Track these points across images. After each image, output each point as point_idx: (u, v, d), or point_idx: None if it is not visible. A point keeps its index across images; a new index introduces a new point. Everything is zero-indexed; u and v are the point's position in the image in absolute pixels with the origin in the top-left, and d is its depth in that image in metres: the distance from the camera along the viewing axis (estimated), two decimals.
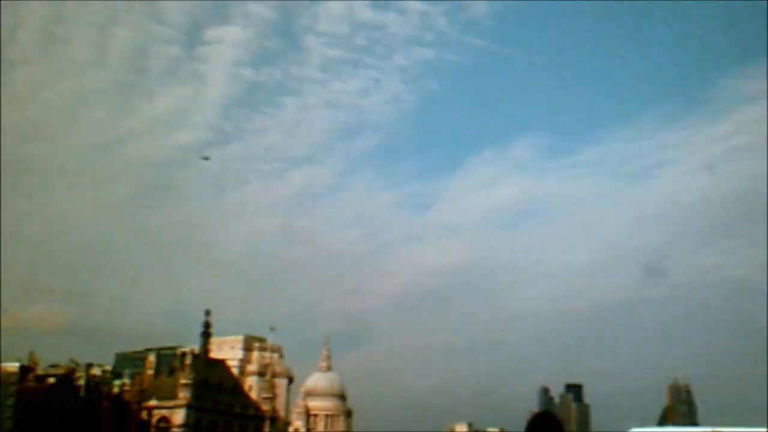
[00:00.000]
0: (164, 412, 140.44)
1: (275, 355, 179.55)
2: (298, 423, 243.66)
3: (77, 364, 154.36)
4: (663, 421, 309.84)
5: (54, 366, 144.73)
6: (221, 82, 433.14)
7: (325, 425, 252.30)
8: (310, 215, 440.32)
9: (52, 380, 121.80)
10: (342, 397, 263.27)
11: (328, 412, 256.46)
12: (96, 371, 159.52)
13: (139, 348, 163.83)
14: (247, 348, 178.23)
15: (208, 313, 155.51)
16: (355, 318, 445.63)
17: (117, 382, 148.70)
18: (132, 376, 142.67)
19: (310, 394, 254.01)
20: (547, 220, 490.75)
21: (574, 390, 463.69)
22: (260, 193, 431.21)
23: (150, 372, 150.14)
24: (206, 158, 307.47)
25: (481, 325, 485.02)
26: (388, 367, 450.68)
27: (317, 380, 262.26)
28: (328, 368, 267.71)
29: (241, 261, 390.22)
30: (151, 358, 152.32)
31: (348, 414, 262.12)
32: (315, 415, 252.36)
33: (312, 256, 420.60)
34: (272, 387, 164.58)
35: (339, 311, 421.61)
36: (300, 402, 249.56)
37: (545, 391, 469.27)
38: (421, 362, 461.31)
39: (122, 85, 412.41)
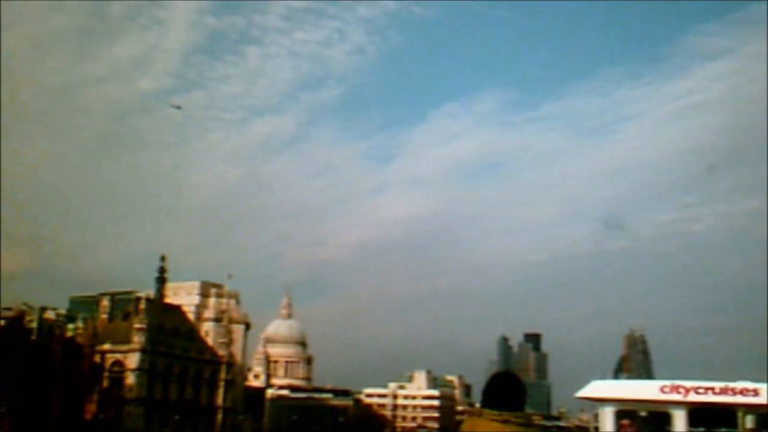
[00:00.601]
0: (118, 356, 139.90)
1: (232, 302, 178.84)
2: (258, 369, 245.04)
3: (30, 308, 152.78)
4: (619, 370, 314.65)
5: (7, 309, 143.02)
6: (183, 29, 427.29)
7: (285, 371, 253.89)
8: (274, 165, 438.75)
9: (1, 323, 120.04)
10: (302, 344, 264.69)
11: (289, 359, 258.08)
12: (50, 315, 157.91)
13: (94, 293, 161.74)
14: (204, 294, 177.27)
15: (163, 258, 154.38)
16: (318, 268, 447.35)
17: (71, 326, 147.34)
18: (86, 321, 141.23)
19: (270, 340, 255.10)
20: (510, 173, 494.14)
21: (533, 339, 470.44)
22: (223, 141, 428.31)
23: (104, 316, 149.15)
24: (177, 107, 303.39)
25: (443, 276, 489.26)
26: (350, 317, 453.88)
27: (277, 327, 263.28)
28: (289, 316, 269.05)
29: (204, 209, 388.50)
30: (105, 302, 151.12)
31: (308, 361, 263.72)
32: (275, 362, 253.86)
33: (276, 205, 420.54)
34: (229, 333, 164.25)
35: (302, 261, 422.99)
36: (260, 349, 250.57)
37: (504, 341, 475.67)
38: (382, 312, 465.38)
39: (82, 30, 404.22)
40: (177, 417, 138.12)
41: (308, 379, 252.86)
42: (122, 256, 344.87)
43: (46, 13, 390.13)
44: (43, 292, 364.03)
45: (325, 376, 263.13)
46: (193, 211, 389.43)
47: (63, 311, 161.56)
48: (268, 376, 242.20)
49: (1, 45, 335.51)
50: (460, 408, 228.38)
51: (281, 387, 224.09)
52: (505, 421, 5.63)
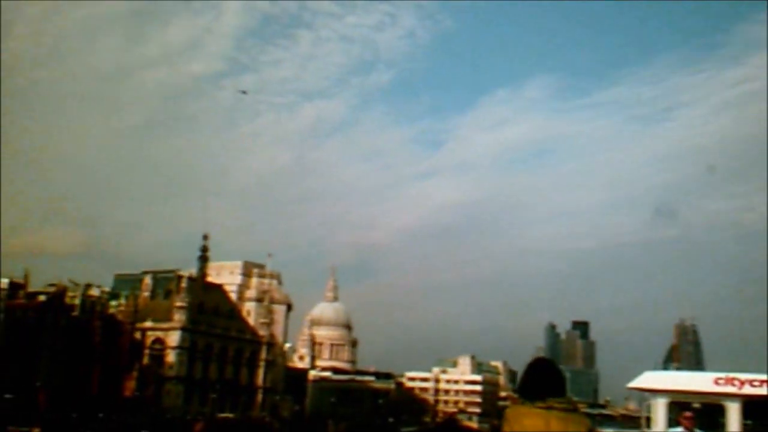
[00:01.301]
0: (159, 333, 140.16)
1: (274, 282, 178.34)
2: (303, 351, 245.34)
3: (75, 285, 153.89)
4: (669, 360, 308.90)
5: (51, 285, 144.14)
6: (235, 13, 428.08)
7: (330, 354, 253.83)
8: (323, 149, 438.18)
9: (42, 298, 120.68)
10: (348, 327, 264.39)
11: (334, 341, 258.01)
12: (95, 292, 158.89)
13: (138, 271, 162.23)
14: (246, 274, 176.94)
15: (205, 237, 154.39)
16: (364, 252, 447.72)
17: (113, 303, 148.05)
18: (127, 298, 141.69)
19: (315, 323, 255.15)
20: (560, 160, 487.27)
21: (581, 327, 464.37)
22: (273, 125, 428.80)
23: (146, 294, 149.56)
24: (244, 92, 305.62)
25: (490, 262, 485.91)
26: (395, 301, 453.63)
27: (323, 310, 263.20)
28: (335, 298, 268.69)
29: (252, 192, 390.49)
30: (148, 280, 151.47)
31: (353, 344, 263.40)
32: (320, 344, 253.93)
33: (323, 189, 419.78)
34: (270, 313, 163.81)
35: (349, 245, 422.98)
36: (305, 330, 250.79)
37: (552, 328, 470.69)
38: (428, 297, 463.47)
39: (136, 13, 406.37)
40: (216, 395, 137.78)
41: (353, 361, 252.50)
42: (170, 237, 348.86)
43: None
44: (94, 271, 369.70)
45: (370, 359, 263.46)
46: (241, 194, 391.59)
47: (108, 289, 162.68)
48: (313, 358, 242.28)
49: (57, 27, 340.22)
50: (503, 394, 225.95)
51: (324, 369, 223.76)
52: (549, 408, 5.51)
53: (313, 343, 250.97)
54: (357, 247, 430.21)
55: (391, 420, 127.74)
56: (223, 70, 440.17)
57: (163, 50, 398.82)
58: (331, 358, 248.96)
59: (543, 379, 5.77)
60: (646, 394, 19.15)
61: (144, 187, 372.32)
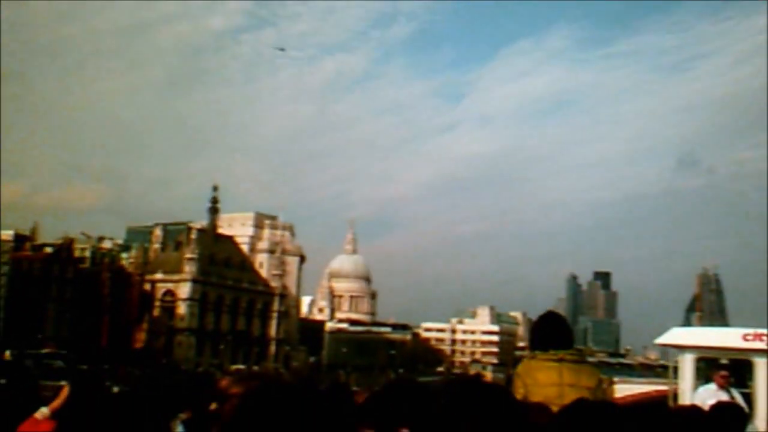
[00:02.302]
0: (170, 285, 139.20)
1: (286, 234, 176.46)
2: (322, 303, 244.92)
3: (88, 237, 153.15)
4: (691, 310, 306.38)
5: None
6: None
7: (350, 306, 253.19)
8: (344, 103, 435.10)
9: (49, 250, 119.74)
10: (367, 279, 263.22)
11: (353, 293, 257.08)
12: (107, 245, 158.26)
13: (150, 223, 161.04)
14: (258, 225, 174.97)
15: (215, 188, 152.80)
16: (385, 205, 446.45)
17: (124, 256, 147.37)
18: (138, 250, 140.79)
19: (335, 275, 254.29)
20: (582, 111, 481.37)
21: (602, 278, 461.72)
22: (293, 80, 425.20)
23: (156, 246, 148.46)
24: (281, 49, 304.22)
25: (511, 215, 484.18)
26: (416, 254, 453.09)
27: (342, 262, 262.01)
28: (354, 251, 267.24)
29: (273, 146, 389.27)
30: (158, 232, 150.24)
31: (372, 296, 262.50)
32: (339, 296, 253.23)
33: (344, 143, 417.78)
34: (282, 264, 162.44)
35: (370, 198, 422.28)
36: (324, 283, 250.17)
37: (573, 279, 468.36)
38: (449, 249, 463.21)
39: None
40: (224, 346, 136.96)
41: (372, 314, 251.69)
42: (192, 191, 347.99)
43: None
44: (116, 226, 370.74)
45: (389, 311, 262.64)
46: (261, 149, 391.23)
47: (120, 241, 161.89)
48: (333, 311, 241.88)
49: None
50: (521, 344, 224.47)
51: (340, 320, 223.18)
52: (560, 360, 5.52)
53: (333, 296, 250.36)
54: (378, 201, 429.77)
55: (401, 370, 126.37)
56: (242, 25, 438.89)
57: (182, 5, 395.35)
58: (350, 311, 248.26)
59: (553, 333, 5.74)
60: (673, 349, 19.22)
61: (165, 143, 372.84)
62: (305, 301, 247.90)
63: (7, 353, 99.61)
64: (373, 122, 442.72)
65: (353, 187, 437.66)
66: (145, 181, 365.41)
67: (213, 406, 5.59)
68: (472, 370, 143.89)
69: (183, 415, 5.54)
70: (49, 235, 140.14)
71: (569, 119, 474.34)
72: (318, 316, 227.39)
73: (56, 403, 4.64)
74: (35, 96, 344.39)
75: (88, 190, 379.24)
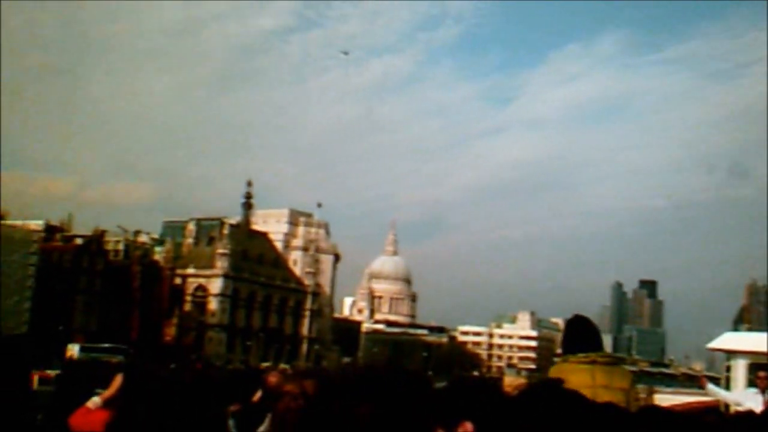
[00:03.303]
0: (201, 280, 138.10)
1: (321, 231, 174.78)
2: (362, 304, 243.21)
3: (125, 231, 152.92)
4: (739, 321, 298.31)
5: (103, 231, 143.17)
6: None
7: (390, 307, 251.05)
8: (390, 105, 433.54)
9: (79, 241, 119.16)
10: (407, 281, 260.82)
11: (393, 295, 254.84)
12: (143, 238, 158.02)
13: (185, 218, 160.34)
14: (293, 222, 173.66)
15: (249, 184, 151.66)
16: (430, 208, 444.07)
17: (158, 249, 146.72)
18: (169, 244, 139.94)
19: (375, 276, 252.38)
20: (631, 116, 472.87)
21: (648, 286, 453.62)
22: (341, 80, 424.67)
23: (189, 241, 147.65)
24: (345, 53, 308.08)
25: (557, 220, 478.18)
26: (459, 257, 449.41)
27: (383, 263, 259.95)
28: (394, 252, 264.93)
29: (319, 147, 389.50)
30: (191, 226, 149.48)
31: (412, 298, 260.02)
32: (379, 297, 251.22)
33: (390, 145, 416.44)
34: (316, 262, 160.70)
35: (415, 201, 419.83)
36: (364, 284, 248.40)
37: (618, 287, 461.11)
38: (493, 254, 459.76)
39: None
40: (252, 343, 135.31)
41: (412, 316, 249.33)
42: (236, 189, 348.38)
43: None
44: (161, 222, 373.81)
45: (430, 314, 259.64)
46: (307, 149, 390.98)
47: (156, 235, 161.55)
48: (372, 311, 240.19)
49: None
50: (560, 351, 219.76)
51: (377, 322, 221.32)
52: (592, 362, 5.50)
53: (372, 297, 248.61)
54: (423, 203, 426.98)
55: (430, 373, 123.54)
56: (290, 25, 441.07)
57: (232, 5, 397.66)
58: (390, 312, 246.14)
59: (583, 336, 5.73)
60: (723, 354, 19.63)
61: (212, 141, 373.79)
62: (347, 302, 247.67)
63: (71, 348, 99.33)
64: (419, 125, 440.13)
65: (397, 189, 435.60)
66: (191, 179, 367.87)
67: (256, 398, 6.19)
68: (507, 375, 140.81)
69: (233, 408, 5.99)
70: (91, 229, 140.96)
71: (617, 125, 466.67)
72: (357, 317, 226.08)
73: (109, 392, 4.61)
74: (86, 93, 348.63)
75: (136, 186, 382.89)
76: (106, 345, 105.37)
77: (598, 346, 5.67)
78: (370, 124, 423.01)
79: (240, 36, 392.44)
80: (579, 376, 5.31)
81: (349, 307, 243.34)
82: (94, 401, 4.79)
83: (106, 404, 4.68)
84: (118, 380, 4.76)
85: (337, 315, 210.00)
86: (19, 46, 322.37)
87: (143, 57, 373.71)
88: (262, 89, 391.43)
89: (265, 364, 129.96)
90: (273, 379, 6.46)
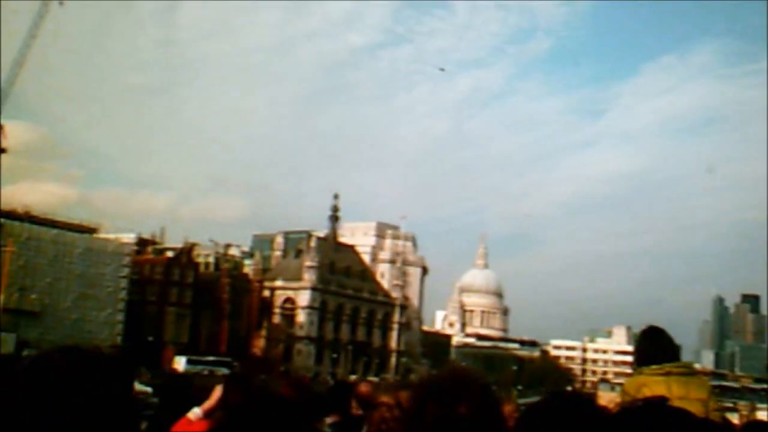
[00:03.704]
0: (290, 293, 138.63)
1: (408, 244, 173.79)
2: (453, 318, 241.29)
3: (216, 244, 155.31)
4: None
5: (194, 245, 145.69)
6: None
7: (481, 321, 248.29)
8: (479, 119, 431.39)
9: (170, 254, 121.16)
10: (499, 294, 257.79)
11: (484, 309, 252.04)
12: (234, 252, 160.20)
13: (275, 231, 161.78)
14: (380, 235, 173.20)
15: (336, 196, 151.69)
16: (520, 222, 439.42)
17: (248, 262, 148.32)
18: (256, 257, 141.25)
19: (465, 290, 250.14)
20: (727, 128, 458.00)
21: (751, 300, 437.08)
22: (429, 95, 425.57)
23: (278, 253, 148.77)
24: (442, 69, 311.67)
25: (652, 234, 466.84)
26: (551, 271, 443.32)
27: (473, 277, 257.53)
28: (485, 266, 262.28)
29: (408, 162, 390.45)
30: (279, 239, 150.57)
31: (504, 312, 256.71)
32: (470, 311, 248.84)
33: (479, 159, 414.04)
34: (403, 275, 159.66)
35: (504, 215, 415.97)
36: (455, 297, 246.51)
37: (720, 301, 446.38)
38: (586, 268, 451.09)
39: None
40: (340, 356, 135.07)
41: (504, 330, 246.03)
42: (327, 203, 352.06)
43: None
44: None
45: (522, 328, 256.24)
46: (396, 163, 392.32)
47: (246, 248, 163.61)
48: (464, 325, 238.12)
49: (225, 2, 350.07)
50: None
51: (468, 335, 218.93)
52: (666, 374, 5.44)
53: (463, 310, 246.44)
54: (513, 217, 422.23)
55: (519, 387, 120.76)
56: (380, 41, 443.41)
57: (323, 22, 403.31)
58: (481, 326, 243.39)
59: (657, 347, 5.67)
60: None
61: (303, 156, 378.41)
62: (439, 315, 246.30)
63: (177, 361, 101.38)
64: (509, 138, 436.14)
65: (487, 203, 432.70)
66: (283, 193, 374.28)
67: (355, 410, 6.19)
68: (601, 390, 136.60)
69: (330, 419, 6.07)
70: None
71: (713, 137, 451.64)
72: (449, 331, 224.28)
73: (209, 403, 4.73)
74: (182, 111, 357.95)
75: (230, 201, 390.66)
76: (211, 358, 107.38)
77: (673, 356, 5.60)
78: (459, 138, 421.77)
79: (331, 53, 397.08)
80: (654, 388, 5.27)
81: (440, 320, 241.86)
82: (195, 412, 4.83)
83: (207, 415, 4.73)
84: (217, 391, 4.85)
85: (427, 328, 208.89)
86: (118, 67, 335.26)
87: (237, 75, 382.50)
88: (352, 105, 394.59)
89: (353, 377, 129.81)
90: (365, 388, 6.68)
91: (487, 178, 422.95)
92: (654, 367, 5.49)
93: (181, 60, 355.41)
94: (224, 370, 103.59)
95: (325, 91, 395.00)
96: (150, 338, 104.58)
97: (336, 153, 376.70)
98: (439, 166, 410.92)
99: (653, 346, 5.67)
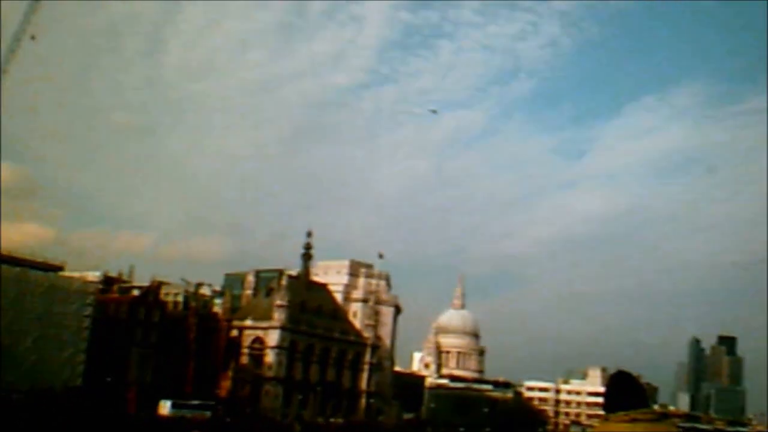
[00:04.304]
0: (259, 332, 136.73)
1: (382, 283, 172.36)
2: (428, 359, 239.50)
3: (188, 283, 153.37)
4: None
5: (165, 284, 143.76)
6: (378, 24, 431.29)
7: (457, 362, 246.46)
8: (462, 159, 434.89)
9: (136, 293, 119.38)
10: (475, 335, 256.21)
11: (460, 349, 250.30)
12: (205, 291, 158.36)
13: (247, 269, 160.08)
14: (353, 273, 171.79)
15: (309, 234, 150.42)
16: (502, 262, 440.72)
17: (217, 302, 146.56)
18: (226, 296, 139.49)
19: (442, 330, 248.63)
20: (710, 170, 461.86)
21: (727, 342, 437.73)
22: (413, 135, 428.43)
23: (248, 292, 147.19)
24: (434, 111, 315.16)
25: (633, 275, 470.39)
26: (532, 312, 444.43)
27: (450, 317, 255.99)
28: (462, 306, 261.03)
29: (391, 202, 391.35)
30: (250, 278, 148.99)
31: (480, 353, 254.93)
32: (447, 352, 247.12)
33: (461, 199, 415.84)
34: (376, 314, 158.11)
35: (486, 255, 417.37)
36: (431, 338, 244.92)
37: (696, 342, 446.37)
38: (566, 309, 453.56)
39: (283, 27, 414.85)
40: (307, 397, 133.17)
41: (480, 371, 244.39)
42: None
43: (250, 11, 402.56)
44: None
45: (499, 370, 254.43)
46: (378, 204, 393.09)
47: (218, 288, 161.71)
48: (439, 366, 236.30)
49: (210, 42, 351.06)
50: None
51: (442, 376, 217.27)
52: (632, 420, 5.43)
53: (439, 351, 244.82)
54: (495, 257, 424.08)
55: (488, 430, 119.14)
56: (364, 81, 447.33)
57: (308, 62, 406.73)
58: (458, 367, 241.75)
59: (624, 392, 5.64)
60: None
61: (286, 196, 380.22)
62: (416, 356, 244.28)
63: (163, 405, 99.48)
64: (491, 179, 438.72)
65: (468, 243, 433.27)
66: (265, 233, 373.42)
67: None
68: None
69: None
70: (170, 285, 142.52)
71: (695, 178, 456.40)
72: (425, 372, 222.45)
73: None
74: (165, 151, 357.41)
75: (212, 241, 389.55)
76: (195, 402, 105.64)
77: (640, 402, 5.50)
78: (441, 178, 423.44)
79: (316, 92, 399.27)
80: None
81: (418, 362, 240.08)
82: None
83: None
84: None
85: (402, 369, 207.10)
86: (103, 106, 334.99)
87: (222, 115, 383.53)
88: (335, 145, 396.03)
89: (320, 419, 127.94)
90: None
91: (467, 218, 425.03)
92: (620, 413, 5.44)
93: (165, 100, 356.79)
94: (207, 413, 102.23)
95: (309, 131, 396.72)
96: (108, 379, 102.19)
97: (318, 193, 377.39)
98: (419, 206, 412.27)
99: (620, 392, 5.61)
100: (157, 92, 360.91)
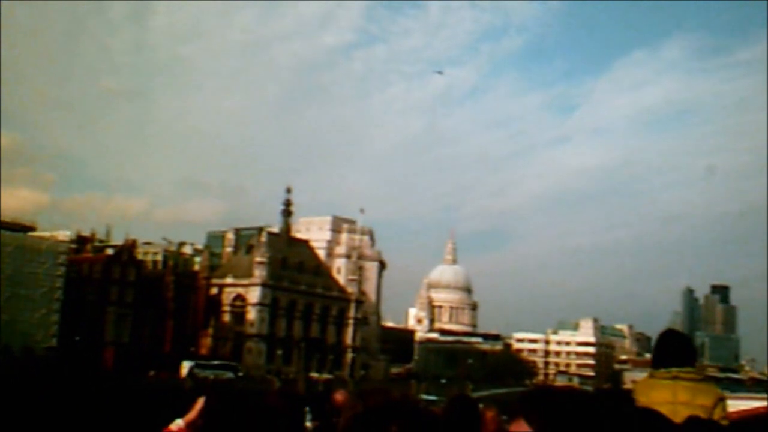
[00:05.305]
0: (240, 290, 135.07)
1: (365, 238, 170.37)
2: (421, 314, 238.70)
3: (170, 242, 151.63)
4: None
5: (147, 244, 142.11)
6: None
7: (450, 317, 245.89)
8: (454, 117, 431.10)
9: (110, 252, 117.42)
10: (468, 290, 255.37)
11: (452, 304, 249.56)
12: (187, 250, 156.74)
13: (226, 228, 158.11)
14: (336, 230, 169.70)
15: (288, 190, 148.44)
16: (496, 219, 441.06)
17: (198, 260, 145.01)
18: (204, 254, 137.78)
19: (433, 286, 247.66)
20: (699, 122, 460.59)
21: (721, 291, 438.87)
22: (404, 94, 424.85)
23: (228, 250, 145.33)
24: (440, 72, 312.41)
25: (626, 228, 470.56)
26: (526, 266, 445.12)
27: (442, 272, 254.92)
28: (454, 261, 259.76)
29: (383, 161, 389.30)
30: (230, 235, 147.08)
31: (473, 307, 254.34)
32: (439, 307, 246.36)
33: (454, 157, 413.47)
34: (360, 270, 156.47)
35: (480, 212, 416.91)
36: (423, 293, 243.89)
37: (689, 292, 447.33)
38: (560, 263, 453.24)
39: None
40: (291, 352, 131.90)
41: (473, 325, 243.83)
42: (304, 202, 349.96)
43: None
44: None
45: (492, 324, 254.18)
46: (372, 163, 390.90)
47: (200, 246, 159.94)
48: (432, 321, 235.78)
49: (197, 4, 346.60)
50: (624, 357, 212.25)
51: (433, 330, 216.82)
52: (674, 378, 5.46)
53: (432, 306, 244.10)
54: (489, 214, 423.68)
55: (471, 386, 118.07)
56: (354, 41, 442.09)
57: (296, 23, 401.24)
58: (450, 322, 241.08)
59: (671, 350, 5.66)
60: None
61: (278, 158, 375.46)
62: (411, 312, 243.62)
63: (184, 366, 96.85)
64: (483, 136, 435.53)
65: (462, 200, 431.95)
66: (259, 195, 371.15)
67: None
68: (558, 382, 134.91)
69: (310, 425, 6.20)
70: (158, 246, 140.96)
71: (686, 131, 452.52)
72: (418, 327, 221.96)
73: (191, 415, 4.59)
74: (156, 115, 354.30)
75: (206, 204, 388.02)
76: (216, 362, 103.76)
77: (686, 361, 5.52)
78: (434, 136, 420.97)
79: (305, 53, 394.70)
80: (660, 392, 5.36)
81: (413, 318, 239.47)
82: (178, 423, 4.58)
83: (189, 426, 4.53)
84: (200, 403, 4.61)
85: (395, 325, 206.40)
86: (91, 71, 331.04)
87: (211, 77, 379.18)
88: (327, 105, 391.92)
89: (315, 375, 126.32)
90: (340, 397, 6.79)
91: (461, 176, 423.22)
92: (663, 371, 5.46)
93: (155, 63, 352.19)
94: (229, 374, 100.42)
95: (299, 92, 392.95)
96: (77, 338, 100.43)
97: (310, 153, 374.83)
98: (413, 164, 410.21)
99: (666, 350, 5.59)
100: (145, 56, 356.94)
